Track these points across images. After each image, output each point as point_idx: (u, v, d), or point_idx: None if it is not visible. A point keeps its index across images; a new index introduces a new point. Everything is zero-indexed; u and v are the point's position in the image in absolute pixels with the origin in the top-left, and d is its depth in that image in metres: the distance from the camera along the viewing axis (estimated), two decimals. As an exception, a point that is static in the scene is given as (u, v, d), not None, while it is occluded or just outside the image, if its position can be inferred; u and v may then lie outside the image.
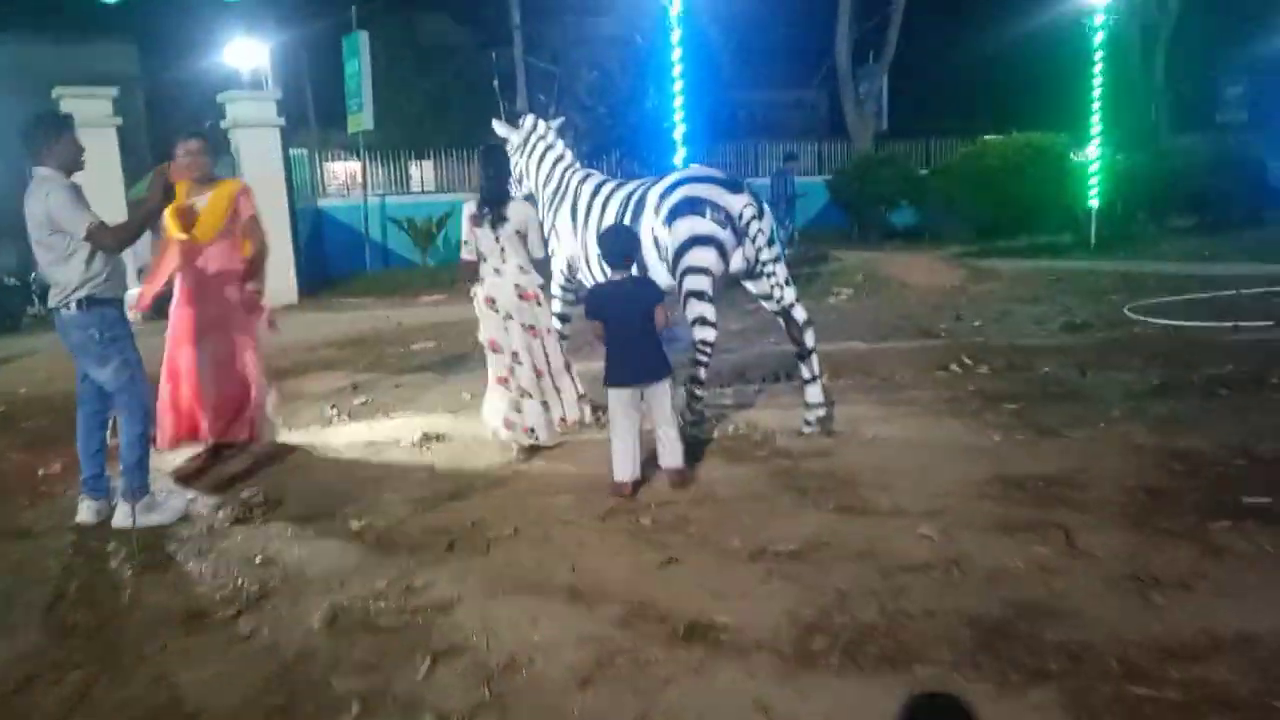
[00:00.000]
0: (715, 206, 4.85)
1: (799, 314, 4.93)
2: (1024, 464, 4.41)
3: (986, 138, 18.04)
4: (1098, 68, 14.76)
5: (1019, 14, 22.18)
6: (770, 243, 4.85)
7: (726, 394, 6.23)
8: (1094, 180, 14.93)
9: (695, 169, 5.33)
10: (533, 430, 4.97)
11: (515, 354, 4.97)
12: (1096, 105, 14.81)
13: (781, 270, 4.87)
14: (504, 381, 4.99)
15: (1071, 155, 16.21)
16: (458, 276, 5.22)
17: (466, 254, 4.99)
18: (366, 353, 8.60)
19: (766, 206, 4.98)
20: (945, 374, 6.60)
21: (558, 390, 5.09)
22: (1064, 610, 2.92)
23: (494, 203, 4.89)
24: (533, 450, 4.99)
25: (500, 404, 5.03)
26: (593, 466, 4.74)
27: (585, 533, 3.84)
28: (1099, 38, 14.71)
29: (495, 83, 18.86)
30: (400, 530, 4.00)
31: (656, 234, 5.05)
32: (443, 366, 7.65)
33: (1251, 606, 2.87)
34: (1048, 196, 16.29)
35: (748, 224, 4.81)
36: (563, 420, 5.08)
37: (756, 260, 4.88)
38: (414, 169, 20.33)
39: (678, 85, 11.23)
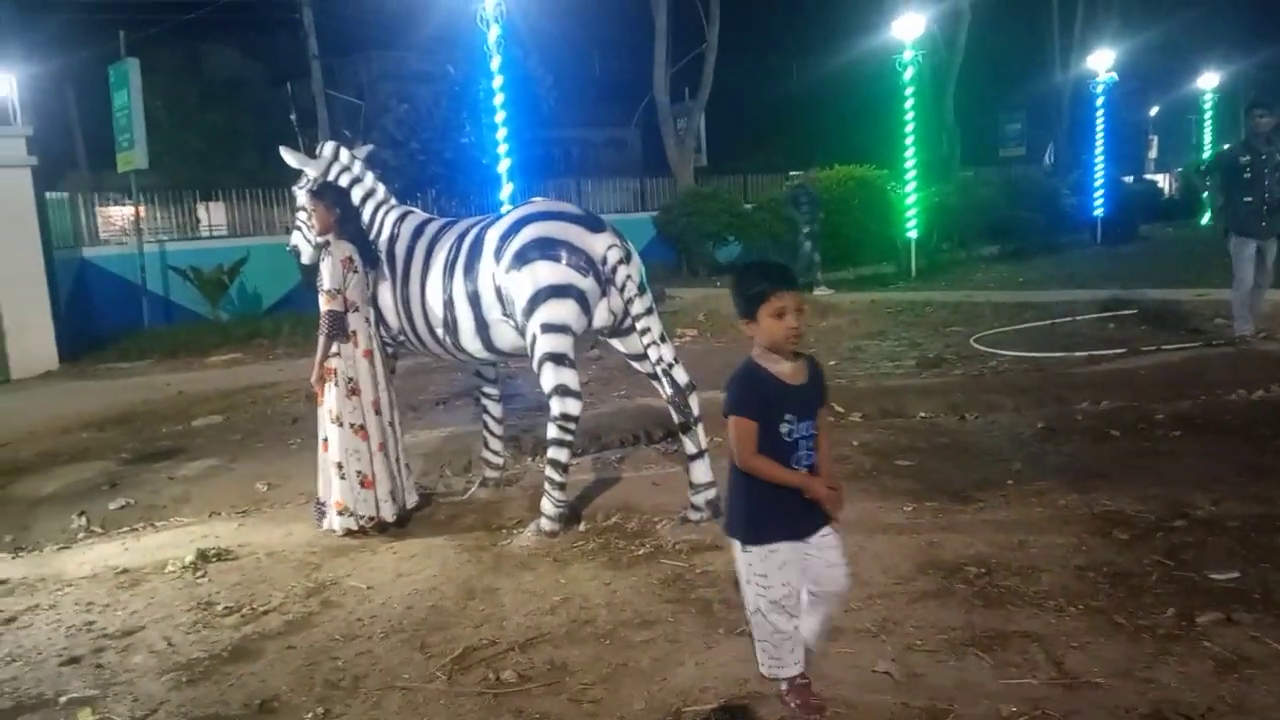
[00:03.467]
0: (573, 249, 3.94)
1: (680, 376, 4.06)
2: (951, 543, 3.74)
3: (800, 173, 18.21)
4: (909, 103, 15.10)
5: (830, 52, 22.84)
6: (641, 291, 3.98)
7: (584, 466, 5.30)
8: (911, 212, 15.22)
9: (541, 203, 4.41)
10: (372, 519, 4.31)
11: (391, 423, 4.41)
12: (910, 140, 15.14)
13: (656, 324, 4.01)
14: (383, 448, 4.34)
15: (890, 188, 16.53)
16: (325, 331, 4.19)
17: (335, 304, 4.22)
18: (135, 433, 7.04)
19: (633, 248, 4.12)
20: (821, 427, 5.97)
21: (406, 469, 4.56)
22: (1100, 785, 2.17)
23: (366, 243, 4.42)
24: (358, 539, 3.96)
25: (344, 483, 4.27)
26: (428, 586, 3.68)
27: (429, 706, 2.78)
28: (908, 75, 15.05)
29: (292, 116, 17.27)
30: (155, 724, 2.79)
31: (499, 283, 4.08)
32: (232, 448, 6.28)
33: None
34: (870, 228, 16.52)
35: (614, 269, 3.94)
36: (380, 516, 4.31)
37: (626, 313, 4.01)
38: (202, 212, 18.29)
39: (500, 117, 10.34)
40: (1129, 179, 23.57)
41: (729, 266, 18.24)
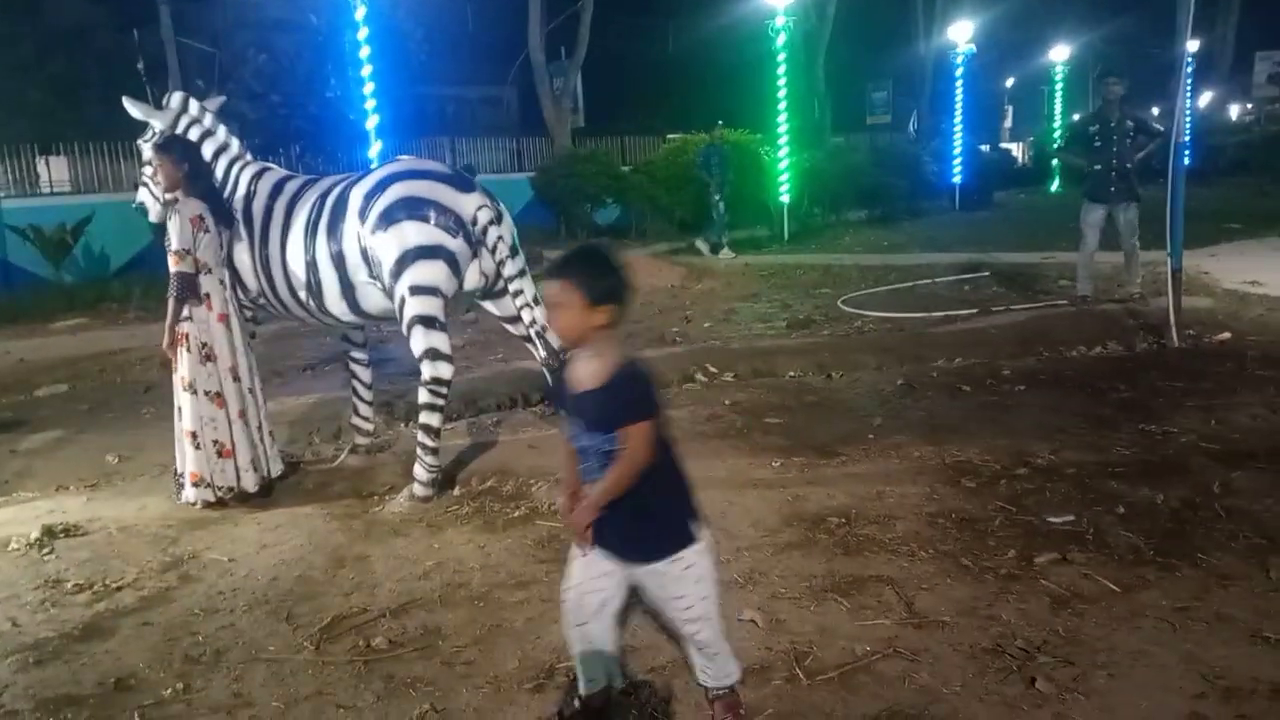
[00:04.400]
0: (441, 209, 3.85)
1: (555, 339, 4.05)
2: (815, 496, 3.90)
3: (687, 135, 18.31)
4: (782, 70, 15.37)
5: (706, 15, 22.88)
6: (513, 253, 3.94)
7: (459, 430, 5.24)
8: (784, 177, 15.56)
9: (408, 161, 4.27)
10: (232, 489, 4.14)
11: (252, 389, 4.22)
12: (783, 105, 15.43)
13: (529, 286, 3.98)
14: (243, 415, 4.18)
15: (764, 153, 16.80)
16: (174, 293, 3.94)
17: (185, 265, 4.01)
18: (-31, 406, 6.54)
19: (504, 209, 4.06)
20: (695, 386, 6.11)
21: (270, 436, 4.40)
22: (943, 717, 2.33)
23: (219, 201, 4.20)
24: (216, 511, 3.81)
25: (199, 453, 4.10)
26: (294, 556, 3.59)
27: (295, 677, 2.72)
28: (781, 40, 15.29)
29: (140, 66, 16.11)
30: (-4, 710, 2.64)
31: (365, 244, 3.95)
32: (79, 419, 5.92)
33: (1141, 681, 2.44)
34: (746, 193, 16.79)
35: (484, 230, 3.88)
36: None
37: (497, 275, 3.96)
38: (42, 167, 16.94)
39: (366, 70, 9.96)
40: (986, 147, 24.71)
41: (606, 229, 18.27)
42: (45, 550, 3.79)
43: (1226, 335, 6.37)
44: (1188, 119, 22.60)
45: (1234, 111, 35.06)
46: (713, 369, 6.41)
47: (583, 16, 20.53)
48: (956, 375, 5.95)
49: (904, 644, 2.66)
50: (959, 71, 20.00)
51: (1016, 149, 31.11)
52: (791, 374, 6.30)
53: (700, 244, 14.17)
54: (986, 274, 9.89)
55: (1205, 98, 30.90)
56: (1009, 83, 34.75)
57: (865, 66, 32.47)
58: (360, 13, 9.96)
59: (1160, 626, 2.68)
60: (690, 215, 16.97)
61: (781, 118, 15.47)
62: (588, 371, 2.10)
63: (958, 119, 19.69)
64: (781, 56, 15.28)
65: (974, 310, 7.97)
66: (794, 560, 3.30)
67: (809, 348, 7.06)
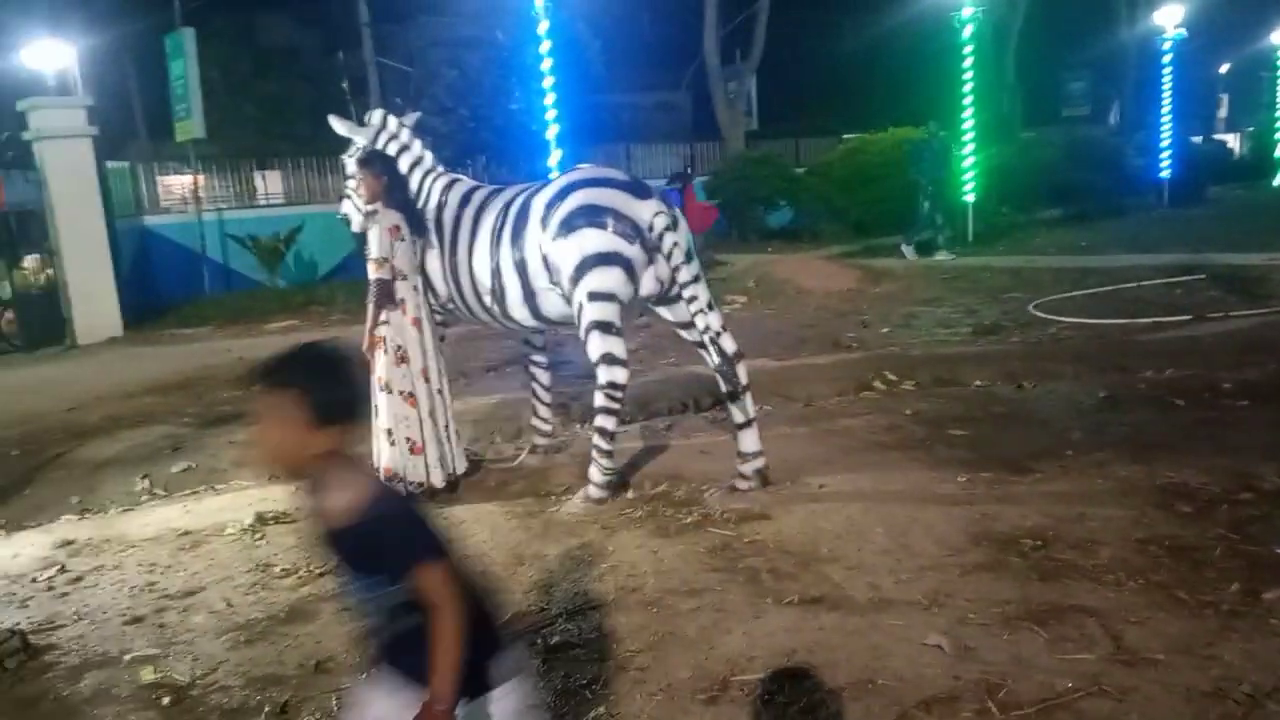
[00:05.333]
0: (619, 216, 3.90)
1: (728, 345, 4.02)
2: (1006, 515, 3.66)
3: (863, 135, 17.84)
4: (968, 63, 14.67)
5: (884, 11, 22.21)
6: (688, 259, 3.93)
7: (632, 433, 5.30)
8: (970, 175, 14.83)
9: (587, 169, 4.36)
10: (421, 485, 4.35)
11: (440, 390, 4.44)
12: (969, 100, 14.73)
13: (704, 292, 3.96)
14: (432, 415, 4.41)
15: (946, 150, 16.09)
16: (373, 299, 4.25)
17: (383, 272, 4.25)
18: (196, 398, 7.22)
19: (680, 215, 4.07)
20: (872, 394, 5.91)
21: (456, 435, 4.60)
22: (1159, 764, 2.12)
23: (414, 211, 4.44)
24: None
25: (393, 450, 4.35)
26: (477, 551, 3.72)
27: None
28: (967, 32, 14.60)
29: (345, 84, 17.38)
30: (213, 684, 2.87)
31: (545, 251, 4.06)
32: (289, 414, 6.40)
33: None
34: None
35: (660, 236, 3.89)
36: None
37: (672, 281, 3.97)
38: (259, 180, 18.58)
39: (548, 82, 10.29)
40: (1198, 139, 22.69)
41: (779, 231, 18.03)
42: (257, 536, 4.12)
43: None
44: None
45: None
46: (892, 376, 6.19)
47: (759, 18, 20.41)
48: (1167, 387, 5.47)
49: (1110, 682, 2.44)
50: (1167, 58, 18.43)
51: (1233, 140, 28.35)
52: (978, 383, 5.98)
53: (905, 248, 13.05)
54: (1201, 276, 9.05)
55: None
56: (1224, 69, 31.74)
57: (1061, 56, 30.53)
58: (543, 27, 10.28)
59: None
60: (868, 216, 16.50)
61: (967, 112, 14.76)
62: (336, 504, 1.62)
63: (1166, 109, 18.15)
64: (968, 49, 14.58)
65: (1187, 317, 7.31)
66: (983, 583, 3.11)
67: (997, 355, 6.70)
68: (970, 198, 14.90)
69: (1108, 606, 2.87)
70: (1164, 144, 18.12)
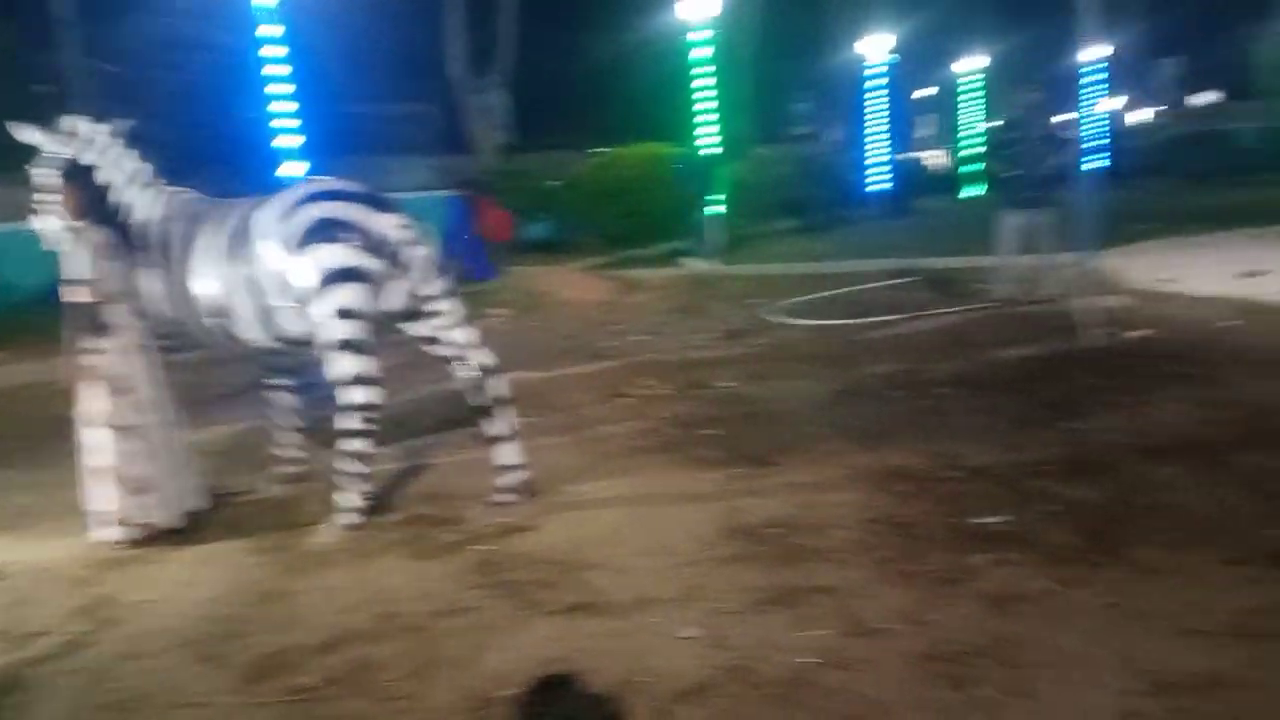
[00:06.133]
0: (359, 230, 3.75)
1: (483, 359, 3.98)
2: (754, 507, 3.88)
3: (615, 149, 18.34)
4: (705, 82, 15.51)
5: (630, 28, 22.95)
6: (436, 273, 3.86)
7: (390, 455, 5.11)
8: (714, 189, 15.65)
9: (324, 182, 4.16)
10: (150, 526, 3.96)
11: (171, 421, 4.07)
12: (712, 118, 15.57)
13: (454, 307, 3.90)
14: (160, 449, 4.02)
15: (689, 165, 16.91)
16: (80, 324, 3.74)
17: (91, 295, 3.85)
18: None
19: (425, 227, 3.98)
20: (632, 400, 6.06)
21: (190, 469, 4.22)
22: (889, 725, 2.32)
23: (126, 228, 4.03)
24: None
25: (114, 490, 3.90)
26: (219, 593, 3.44)
27: (223, 719, 2.60)
28: (701, 53, 15.43)
29: (47, 87, 15.56)
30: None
31: (281, 268, 3.83)
32: (-15, 460, 5.62)
33: (1076, 680, 2.46)
34: (672, 205, 16.86)
35: (403, 251, 3.78)
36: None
37: (420, 296, 3.87)
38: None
39: (286, 90, 9.74)
40: (905, 156, 25.33)
41: (536, 245, 18.13)
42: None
43: (1142, 332, 6.58)
44: (1104, 123, 23.56)
45: (1146, 115, 36.56)
46: (648, 383, 6.39)
47: (505, 30, 20.45)
48: (888, 380, 6.02)
49: (845, 654, 2.65)
50: (877, 83, 20.45)
51: (937, 156, 31.90)
52: (726, 384, 6.30)
53: (685, 260, 13.64)
54: (913, 279, 10.08)
55: (1119, 102, 32.09)
56: (925, 93, 35.65)
57: (788, 78, 32.98)
58: (274, 30, 9.73)
59: (1092, 624, 2.73)
60: (622, 229, 17.00)
61: (708, 130, 15.59)
62: None
63: (878, 129, 20.12)
64: (704, 69, 15.41)
65: (903, 315, 8.10)
66: (734, 573, 3.28)
67: (743, 358, 7.10)
68: (713, 210, 15.77)
69: (843, 584, 3.11)
70: (878, 161, 20.09)
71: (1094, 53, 21.89)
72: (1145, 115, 36.05)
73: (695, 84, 15.45)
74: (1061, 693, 2.39)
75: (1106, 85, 24.27)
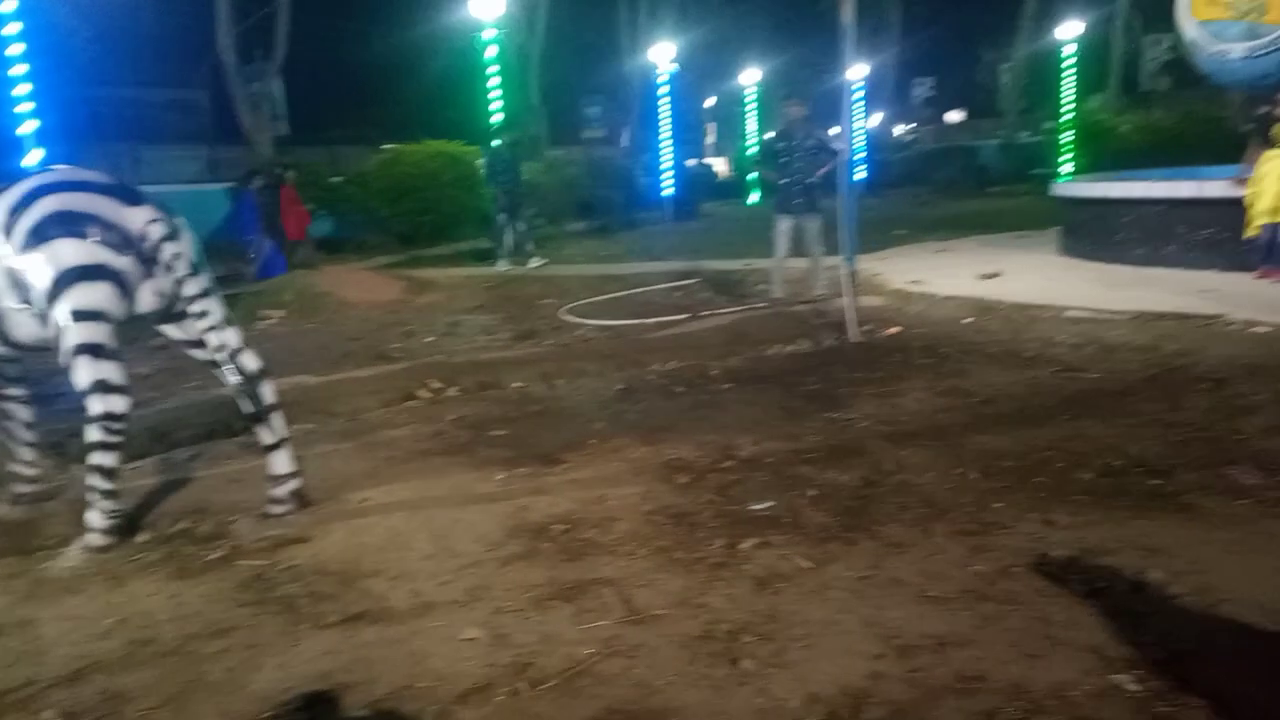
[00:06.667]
0: (102, 223, 3.45)
1: (249, 362, 3.76)
2: (540, 505, 3.91)
3: (401, 145, 17.83)
4: (495, 81, 15.39)
5: (414, 24, 22.40)
6: (195, 271, 3.61)
7: (146, 468, 4.74)
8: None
9: (62, 171, 3.79)
10: None
11: None
12: (499, 117, 15.45)
13: (216, 307, 3.66)
14: None
15: (479, 164, 16.76)
16: None
17: None
18: None
19: (182, 222, 3.71)
20: (418, 403, 5.94)
21: None
22: (658, 709, 2.41)
23: None
24: None
25: None
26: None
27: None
28: (490, 52, 15.31)
29: None
30: None
31: (11, 266, 3.45)
32: None
33: (830, 648, 2.67)
34: (463, 204, 16.65)
35: (157, 246, 3.52)
36: None
37: (177, 296, 3.61)
38: None
39: (20, 70, 8.77)
40: (692, 162, 26.31)
41: (320, 243, 17.31)
42: None
43: (895, 329, 7.19)
44: (863, 137, 25.47)
45: (900, 130, 39.88)
46: (436, 384, 6.28)
47: (279, 17, 19.35)
48: (670, 377, 6.24)
49: (623, 642, 2.73)
50: (664, 90, 21.08)
51: (719, 164, 33.34)
52: (516, 385, 6.30)
53: (502, 264, 13.09)
54: (696, 281, 10.49)
55: (876, 118, 34.79)
56: (711, 101, 37.19)
57: (580, 81, 33.36)
58: (9, 4, 8.74)
59: (845, 596, 2.96)
60: (411, 227, 16.57)
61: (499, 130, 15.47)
62: None
63: (666, 135, 20.75)
64: (494, 69, 15.29)
65: (686, 315, 8.42)
66: (518, 571, 3.30)
67: (533, 358, 7.12)
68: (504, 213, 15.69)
69: (623, 575, 3.20)
70: (666, 165, 20.72)
71: (856, 72, 23.73)
72: (902, 130, 39.34)
73: (487, 83, 15.27)
74: (816, 660, 2.58)
75: (867, 102, 26.31)
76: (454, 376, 6.45)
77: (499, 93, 15.29)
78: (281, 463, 3.87)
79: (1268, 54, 8.69)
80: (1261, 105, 8.42)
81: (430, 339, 8.18)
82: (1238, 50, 8.91)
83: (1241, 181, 8.17)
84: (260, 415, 3.81)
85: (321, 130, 22.52)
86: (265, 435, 3.85)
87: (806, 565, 3.20)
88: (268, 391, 3.83)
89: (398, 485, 4.27)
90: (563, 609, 2.97)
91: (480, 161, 14.74)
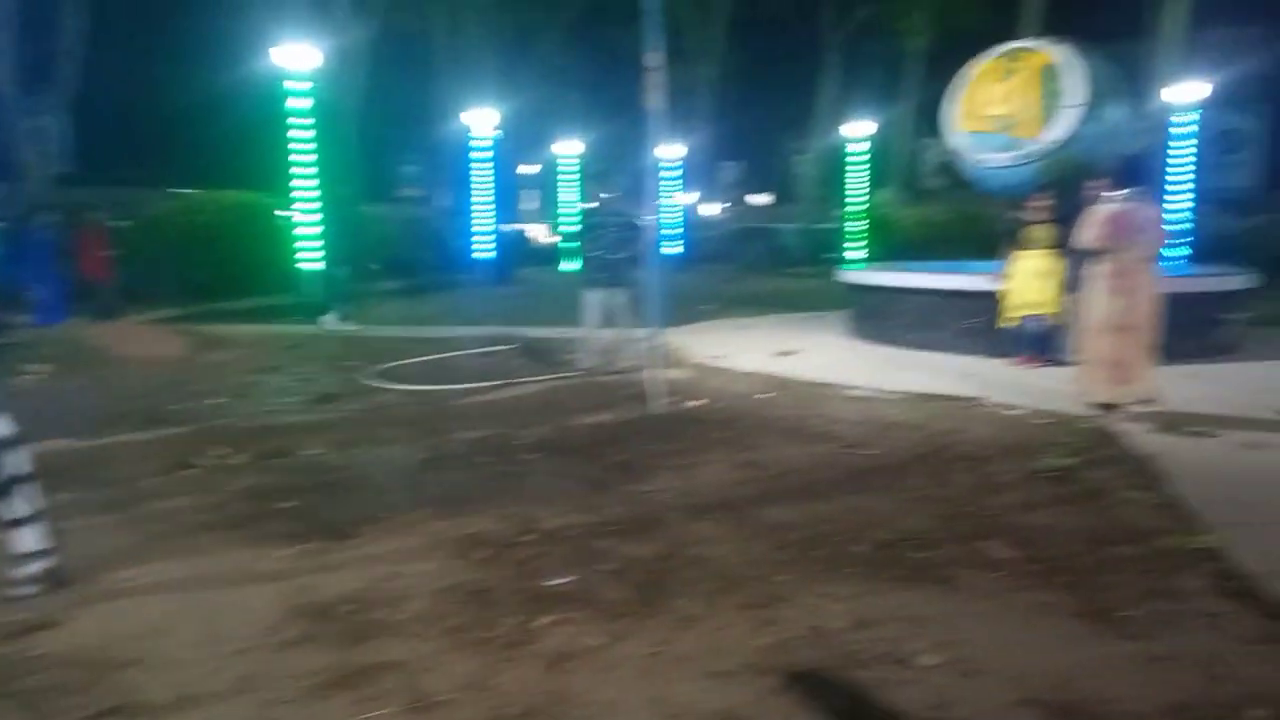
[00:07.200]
0: None
1: (-2, 429, 3.40)
2: (326, 584, 3.74)
3: (197, 192, 16.90)
4: (305, 134, 14.94)
5: (217, 69, 21.46)
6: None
7: None
8: (311, 244, 15.04)
9: None
10: None
11: None
12: (308, 171, 14.99)
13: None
14: None
15: (283, 217, 16.14)
16: None
17: None
18: None
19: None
20: (197, 471, 5.55)
21: None
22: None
23: None
24: None
25: None
26: None
27: None
28: (300, 104, 14.88)
29: None
30: None
31: None
32: None
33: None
34: (265, 257, 15.90)
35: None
36: None
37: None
38: None
39: None
40: (510, 227, 26.44)
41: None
42: None
43: (698, 402, 7.45)
44: (679, 214, 26.53)
45: (714, 209, 41.82)
46: (220, 451, 5.90)
47: (65, 50, 18.06)
48: (476, 446, 6.16)
49: (405, 733, 2.63)
50: (482, 154, 21.18)
51: (539, 230, 33.68)
52: (310, 453, 6.02)
53: (327, 318, 12.73)
54: (509, 347, 10.47)
55: (691, 196, 36.37)
56: (532, 169, 37.67)
57: (398, 139, 32.94)
58: None
59: (634, 674, 3.00)
60: (205, 279, 15.62)
61: (308, 183, 14.99)
62: None
63: (485, 199, 20.79)
64: (303, 121, 14.85)
65: (496, 382, 8.37)
66: (296, 657, 3.12)
67: (331, 423, 6.85)
68: (313, 267, 15.12)
69: (411, 658, 3.10)
70: (484, 229, 20.70)
71: (671, 150, 24.81)
72: (713, 210, 41.30)
73: (293, 135, 14.79)
74: (601, 743, 2.59)
75: (683, 180, 27.51)
76: (241, 442, 6.10)
77: (307, 146, 14.86)
78: (29, 540, 3.50)
79: (1020, 165, 9.83)
80: (1012, 210, 9.50)
81: (218, 401, 7.70)
82: (995, 160, 10.04)
83: (999, 277, 9.14)
84: (7, 486, 3.44)
85: (107, 169, 20.92)
86: (13, 508, 3.47)
87: (599, 643, 3.21)
88: (19, 460, 3.46)
89: (167, 563, 3.96)
90: (340, 697, 2.83)
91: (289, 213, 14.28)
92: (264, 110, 17.60)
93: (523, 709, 2.75)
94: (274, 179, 14.92)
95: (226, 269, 15.47)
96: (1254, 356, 9.28)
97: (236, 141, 21.80)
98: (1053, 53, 9.78)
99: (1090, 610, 3.45)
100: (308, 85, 14.77)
